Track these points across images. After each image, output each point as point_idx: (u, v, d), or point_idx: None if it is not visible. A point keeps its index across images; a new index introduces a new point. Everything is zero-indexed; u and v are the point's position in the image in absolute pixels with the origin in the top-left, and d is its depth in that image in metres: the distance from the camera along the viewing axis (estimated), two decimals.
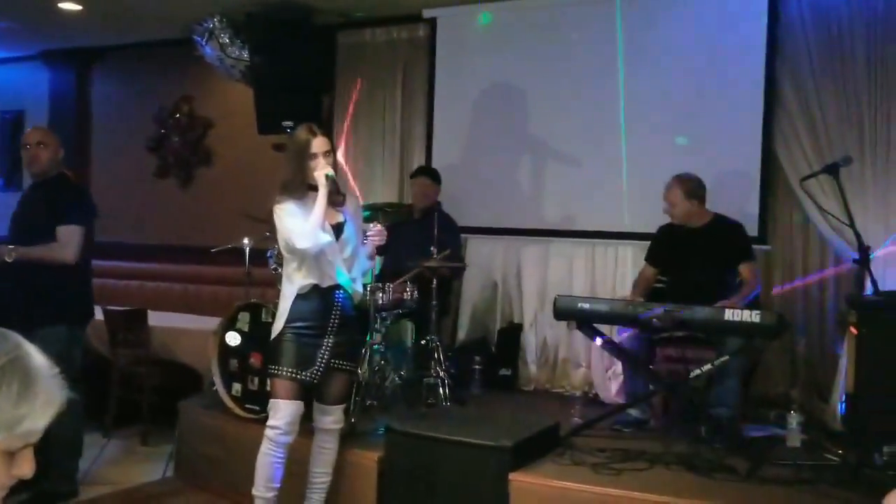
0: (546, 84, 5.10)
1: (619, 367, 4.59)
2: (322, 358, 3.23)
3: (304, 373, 3.20)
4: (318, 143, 3.23)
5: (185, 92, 6.46)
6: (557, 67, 5.07)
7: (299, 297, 3.23)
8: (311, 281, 3.21)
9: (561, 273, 5.02)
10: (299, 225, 3.15)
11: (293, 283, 3.23)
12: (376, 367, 4.10)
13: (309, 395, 3.32)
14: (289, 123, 5.51)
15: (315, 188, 3.25)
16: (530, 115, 5.14)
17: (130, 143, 6.75)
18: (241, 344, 4.20)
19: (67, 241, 3.79)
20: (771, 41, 4.53)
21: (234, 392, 4.17)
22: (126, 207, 6.75)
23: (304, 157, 3.20)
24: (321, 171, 3.17)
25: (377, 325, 4.12)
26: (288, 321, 3.22)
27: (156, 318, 5.11)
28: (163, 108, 6.57)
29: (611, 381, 4.74)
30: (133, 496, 4.06)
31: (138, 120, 6.73)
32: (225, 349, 4.23)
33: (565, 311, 3.75)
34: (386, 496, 3.48)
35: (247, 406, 4.10)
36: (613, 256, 4.89)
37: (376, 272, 4.26)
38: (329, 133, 5.60)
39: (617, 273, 4.83)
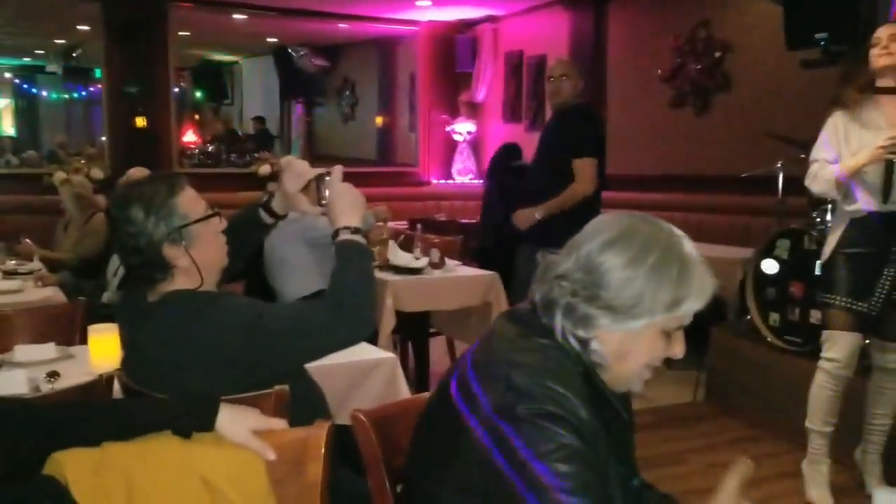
0: None
1: None
2: (882, 288, 2.89)
3: (859, 303, 2.90)
4: (883, 29, 2.85)
5: (703, 16, 6.29)
6: None
7: (854, 220, 2.91)
8: (867, 209, 2.87)
9: None
10: (818, 164, 2.94)
11: (847, 204, 2.93)
12: None
13: (867, 327, 3.00)
14: (822, 35, 5.01)
15: (887, 90, 2.85)
16: None
17: (644, 76, 6.85)
18: (779, 272, 3.98)
19: (583, 175, 4.01)
20: None
21: (771, 322, 3.99)
22: (642, 140, 6.93)
23: (883, 46, 2.83)
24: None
25: None
26: (840, 245, 2.95)
27: None
28: (678, 37, 6.51)
29: None
30: (667, 414, 4.19)
31: (652, 52, 6.79)
32: (761, 277, 4.06)
33: None
34: None
35: (786, 337, 3.89)
36: None
37: None
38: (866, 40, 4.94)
39: None
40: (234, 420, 1.31)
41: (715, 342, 4.35)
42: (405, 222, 6.77)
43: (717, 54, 6.14)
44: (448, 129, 9.01)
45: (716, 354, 4.34)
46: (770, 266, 4.01)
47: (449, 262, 4.32)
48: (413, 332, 4.52)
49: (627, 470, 1.41)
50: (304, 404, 1.76)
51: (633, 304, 1.23)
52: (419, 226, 4.85)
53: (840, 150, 2.92)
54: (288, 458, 1.36)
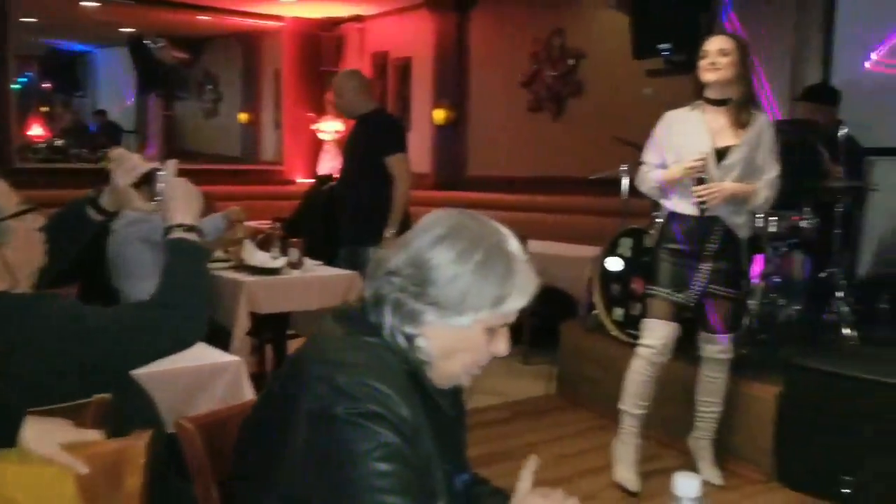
0: None
1: None
2: (698, 281, 3.09)
3: (678, 294, 3.09)
4: (711, 42, 3.02)
5: (558, 25, 6.53)
6: None
7: (673, 215, 3.13)
8: (681, 210, 3.08)
9: None
10: (646, 166, 3.15)
11: (665, 202, 3.17)
12: (767, 300, 3.83)
13: (689, 319, 3.21)
14: (665, 46, 5.31)
15: (712, 101, 3.04)
16: None
17: (505, 80, 7.04)
18: (622, 269, 4.20)
19: (401, 172, 4.22)
20: None
21: (615, 317, 4.20)
22: (501, 142, 7.12)
23: (702, 60, 3.01)
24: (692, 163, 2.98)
25: (770, 255, 3.84)
26: (661, 240, 3.16)
27: (533, 246, 5.32)
28: (535, 43, 6.72)
29: None
30: (520, 408, 4.33)
31: (512, 57, 6.98)
32: (606, 274, 4.26)
33: None
34: (785, 432, 3.25)
35: (628, 331, 4.10)
36: None
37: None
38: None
39: None
40: (40, 434, 1.25)
41: (565, 337, 4.53)
42: (269, 221, 6.65)
43: (571, 62, 6.40)
44: (314, 127, 8.90)
45: (566, 349, 4.52)
46: (614, 264, 4.22)
47: (308, 261, 4.27)
48: (272, 334, 4.44)
49: (455, 466, 1.44)
50: (130, 413, 1.69)
51: (460, 301, 1.25)
52: (278, 224, 4.77)
53: (665, 154, 3.11)
54: (104, 471, 1.31)
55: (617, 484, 3.21)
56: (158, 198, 1.72)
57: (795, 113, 4.70)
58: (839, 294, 3.85)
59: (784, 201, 3.89)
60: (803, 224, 3.82)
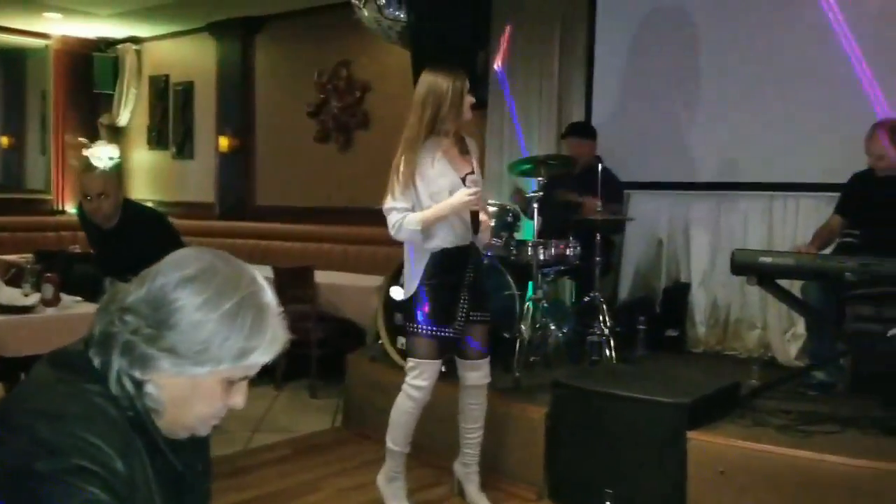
0: (718, 27, 4.77)
1: (799, 327, 4.28)
2: (462, 311, 3.15)
3: (446, 329, 3.11)
4: (466, 81, 3.09)
5: (344, 56, 6.57)
6: (730, 6, 4.73)
7: (434, 254, 3.10)
8: (445, 245, 3.09)
9: (734, 229, 4.71)
10: (398, 212, 3.03)
11: (426, 243, 3.07)
12: (538, 324, 4.03)
13: (454, 350, 3.23)
14: None
15: (445, 134, 3.10)
16: (700, 60, 4.82)
17: (292, 109, 6.96)
18: (405, 298, 4.23)
19: None
20: None
21: (399, 345, 4.21)
22: (289, 172, 7.02)
23: (462, 99, 3.05)
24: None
25: (539, 282, 4.05)
26: (424, 277, 3.10)
27: (321, 276, 5.27)
28: (322, 74, 6.72)
29: (790, 343, 4.43)
30: (305, 443, 4.22)
31: (298, 87, 6.93)
32: (390, 303, 4.28)
33: (744, 266, 3.50)
34: (554, 450, 3.42)
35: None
36: (794, 210, 4.52)
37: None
38: (485, 88, 5.55)
39: (798, 228, 4.46)
40: None
41: (352, 368, 4.50)
42: (28, 255, 6.07)
43: (358, 93, 6.46)
44: (86, 153, 8.29)
45: (352, 380, 4.48)
46: (397, 293, 4.24)
47: (67, 298, 3.93)
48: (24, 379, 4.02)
49: None
50: None
51: (200, 350, 1.15)
52: (31, 257, 4.35)
53: (420, 193, 3.04)
54: None
55: None
56: None
57: (560, 149, 5.04)
58: (601, 317, 4.14)
59: (551, 231, 4.18)
60: (568, 252, 4.08)
